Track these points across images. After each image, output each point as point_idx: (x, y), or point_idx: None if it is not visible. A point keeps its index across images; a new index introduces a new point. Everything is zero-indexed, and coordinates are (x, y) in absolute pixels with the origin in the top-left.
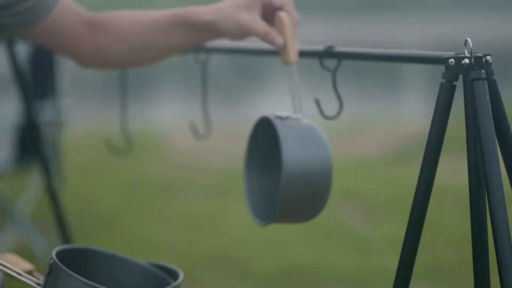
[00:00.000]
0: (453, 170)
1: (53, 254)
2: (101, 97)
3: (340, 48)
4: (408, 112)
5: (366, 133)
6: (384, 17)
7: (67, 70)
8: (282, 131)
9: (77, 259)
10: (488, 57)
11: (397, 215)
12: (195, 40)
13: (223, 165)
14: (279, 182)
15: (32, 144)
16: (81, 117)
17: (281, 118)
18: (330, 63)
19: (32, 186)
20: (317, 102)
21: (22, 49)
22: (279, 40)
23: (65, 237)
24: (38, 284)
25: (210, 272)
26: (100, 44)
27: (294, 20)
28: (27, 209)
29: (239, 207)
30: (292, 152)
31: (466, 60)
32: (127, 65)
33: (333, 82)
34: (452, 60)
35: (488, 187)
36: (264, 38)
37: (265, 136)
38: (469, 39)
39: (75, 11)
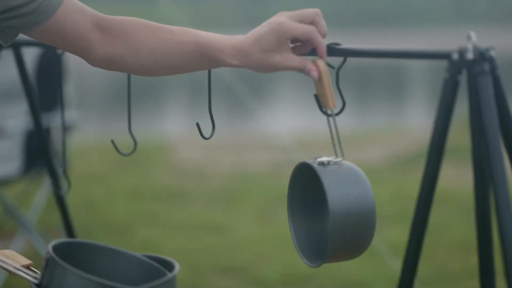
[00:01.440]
0: (457, 177)
1: (49, 248)
2: (109, 109)
3: (342, 46)
4: (412, 122)
5: (371, 142)
6: (386, 30)
7: (74, 83)
8: (325, 176)
9: (73, 253)
10: (491, 52)
11: (401, 222)
12: (217, 67)
13: (229, 175)
14: (327, 225)
15: (40, 154)
16: (89, 129)
17: (323, 163)
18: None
19: (41, 194)
20: (316, 98)
21: (30, 60)
22: (314, 73)
23: None
24: (35, 279)
25: (216, 280)
26: (114, 54)
27: (323, 33)
28: (36, 217)
29: (244, 215)
30: (337, 197)
31: (470, 54)
32: (139, 74)
33: (336, 80)
34: (456, 54)
35: (493, 182)
36: (301, 71)
37: (306, 180)
38: (472, 33)
39: (83, 12)
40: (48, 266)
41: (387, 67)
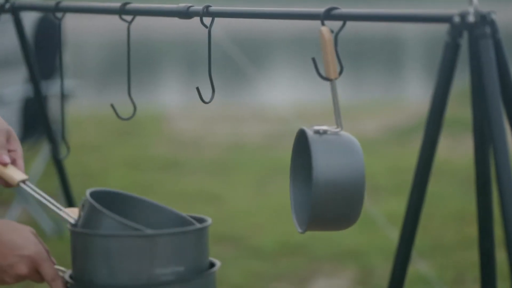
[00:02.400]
0: (454, 149)
1: (87, 192)
2: (105, 80)
3: (341, 10)
4: (409, 95)
5: (368, 114)
6: (388, 4)
7: (70, 52)
8: (315, 145)
9: (109, 202)
10: (493, 15)
11: (398, 192)
12: None
13: (225, 146)
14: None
15: (38, 122)
16: (85, 98)
17: (319, 132)
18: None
19: (38, 162)
20: (314, 61)
21: (27, 28)
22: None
23: None
24: (73, 219)
25: (212, 248)
26: None
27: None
28: (33, 185)
29: (240, 185)
30: (323, 166)
31: (471, 17)
32: None
33: (335, 44)
34: (457, 17)
35: (493, 145)
36: None
37: (305, 147)
38: None
39: None
40: (85, 210)
41: (385, 39)
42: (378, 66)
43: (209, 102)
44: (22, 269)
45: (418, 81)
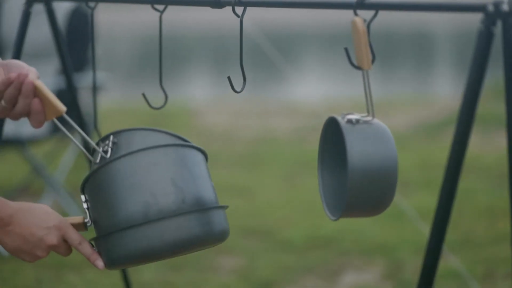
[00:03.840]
0: (484, 144)
1: (108, 135)
2: (133, 73)
3: None
4: (438, 91)
5: (397, 109)
6: None
7: (102, 46)
8: (349, 134)
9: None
10: None
11: (426, 187)
12: None
13: (255, 140)
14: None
15: (70, 114)
16: (114, 91)
17: (351, 121)
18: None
19: (68, 154)
20: (346, 51)
21: (61, 21)
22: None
23: None
24: (105, 152)
25: (241, 241)
26: None
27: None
28: (63, 176)
29: (269, 179)
30: (358, 154)
31: (505, 6)
32: None
33: (367, 34)
34: (491, 6)
35: None
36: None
37: (336, 135)
38: None
39: None
40: (117, 142)
41: (414, 35)
42: (408, 61)
43: (240, 91)
44: (52, 239)
45: (448, 76)
